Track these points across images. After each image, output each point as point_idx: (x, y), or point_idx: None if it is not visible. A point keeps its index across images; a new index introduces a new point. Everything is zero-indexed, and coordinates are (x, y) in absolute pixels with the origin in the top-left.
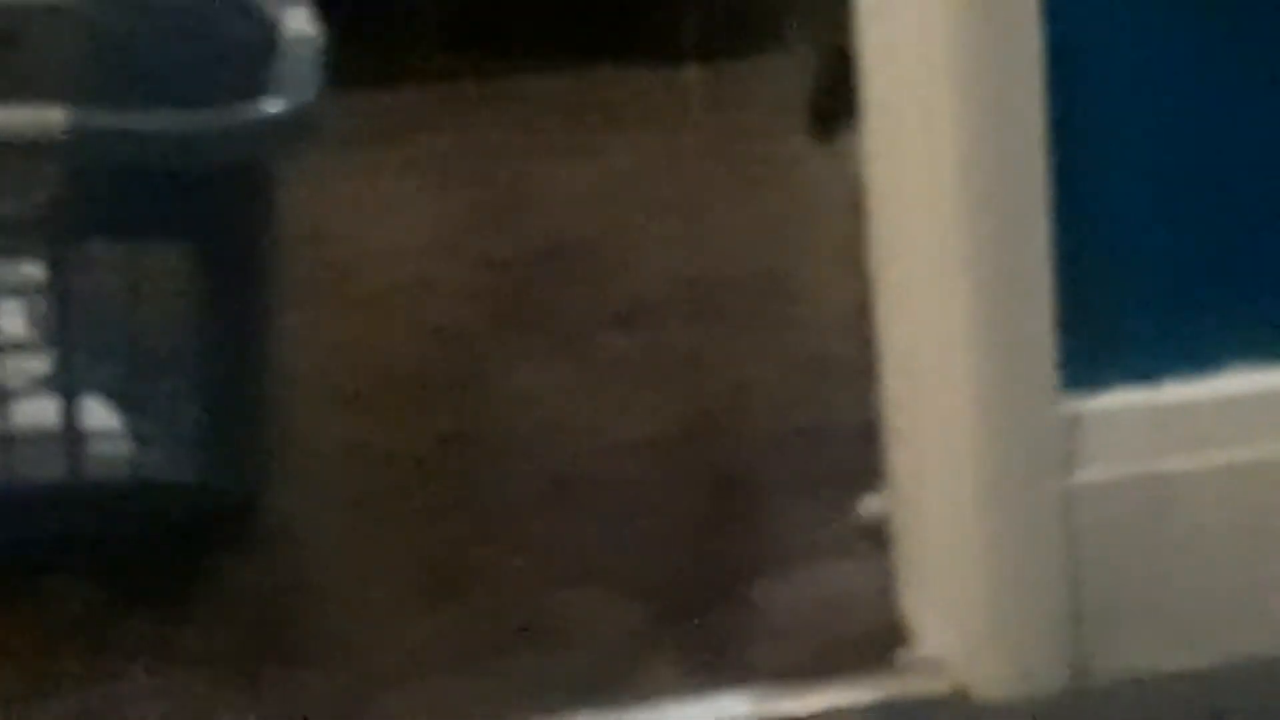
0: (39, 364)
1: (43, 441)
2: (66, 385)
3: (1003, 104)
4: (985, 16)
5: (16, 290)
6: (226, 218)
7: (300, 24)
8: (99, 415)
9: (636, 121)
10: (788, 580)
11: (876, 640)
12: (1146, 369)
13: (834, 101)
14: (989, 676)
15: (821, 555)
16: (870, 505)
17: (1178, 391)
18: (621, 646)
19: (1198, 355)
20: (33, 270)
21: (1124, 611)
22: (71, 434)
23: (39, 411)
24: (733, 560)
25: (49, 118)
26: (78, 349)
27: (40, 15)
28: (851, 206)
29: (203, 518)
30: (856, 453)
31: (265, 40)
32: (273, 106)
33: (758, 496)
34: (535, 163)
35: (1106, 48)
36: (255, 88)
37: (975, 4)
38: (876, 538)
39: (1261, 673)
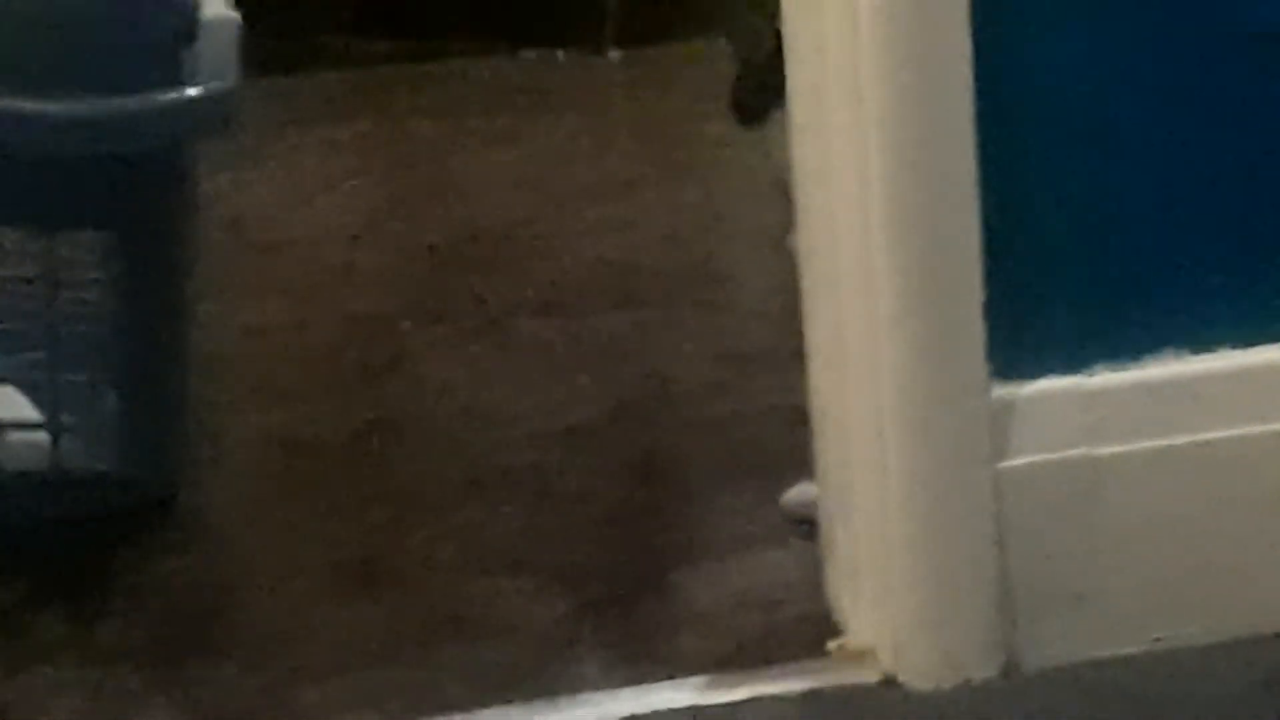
0: None
1: None
2: None
3: (931, 92)
4: (915, 3)
5: None
6: (145, 205)
7: (218, 8)
8: (15, 405)
9: (559, 106)
10: (715, 570)
11: (805, 630)
12: (1075, 356)
13: (757, 89)
14: (919, 666)
15: (749, 544)
16: (798, 494)
17: (1106, 379)
18: (547, 637)
19: (1125, 343)
20: None
21: (1054, 599)
22: None
23: None
24: (659, 549)
25: None
26: None
27: None
28: (777, 192)
29: (121, 509)
30: (784, 441)
31: (183, 24)
32: (191, 91)
33: (684, 485)
34: (457, 148)
35: (1035, 36)
36: (173, 73)
37: None
38: (805, 526)
39: (1191, 659)
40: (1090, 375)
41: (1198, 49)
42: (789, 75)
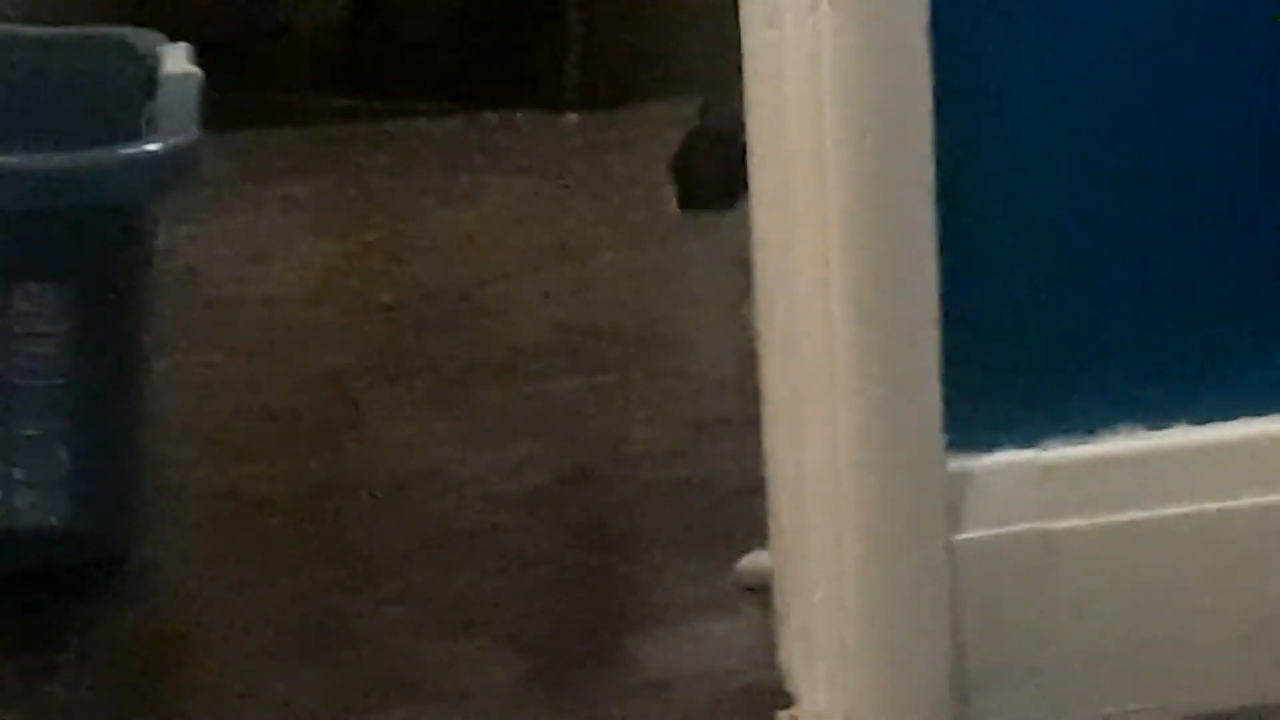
0: None
1: None
2: None
3: (891, 163)
4: (874, 73)
5: None
6: (102, 259)
7: (179, 63)
8: None
9: (518, 167)
10: (668, 636)
11: (757, 699)
12: (1030, 430)
13: (698, 177)
14: None
15: (702, 612)
16: (752, 562)
17: (1061, 453)
18: (499, 701)
19: (1080, 417)
20: None
21: (1007, 672)
22: None
23: None
24: (612, 615)
25: None
26: None
27: None
28: (734, 257)
29: (73, 564)
30: (738, 508)
31: (144, 79)
32: (151, 146)
33: (638, 551)
34: (415, 207)
35: (995, 113)
36: (133, 127)
37: (864, 60)
38: (758, 595)
39: None
40: (1045, 449)
41: (1159, 129)
42: (750, 143)
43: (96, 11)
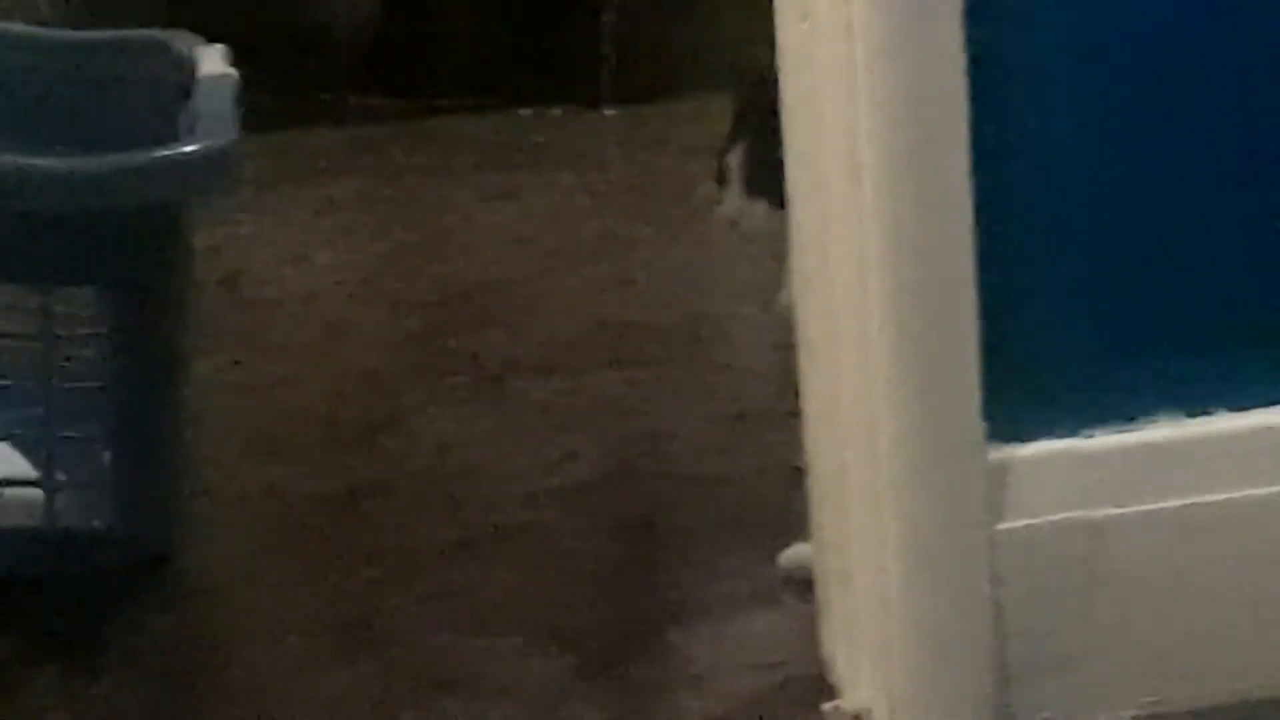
0: None
1: None
2: None
3: (927, 155)
4: (909, 66)
5: None
6: (141, 261)
7: (216, 64)
8: (11, 462)
9: (555, 164)
10: (711, 630)
11: (801, 691)
12: (1072, 419)
13: (717, 168)
14: None
15: (745, 605)
16: (794, 554)
17: (1103, 441)
18: (542, 697)
19: (1122, 405)
20: None
21: (1049, 661)
22: None
23: None
24: (655, 609)
25: None
26: None
27: None
28: (772, 250)
29: (116, 566)
30: (779, 501)
31: (181, 81)
32: (189, 148)
33: (680, 544)
34: (453, 205)
35: (1033, 99)
36: (171, 129)
37: (899, 52)
38: (801, 587)
39: None
40: (1087, 438)
41: (1197, 109)
42: (785, 137)
43: (132, 15)
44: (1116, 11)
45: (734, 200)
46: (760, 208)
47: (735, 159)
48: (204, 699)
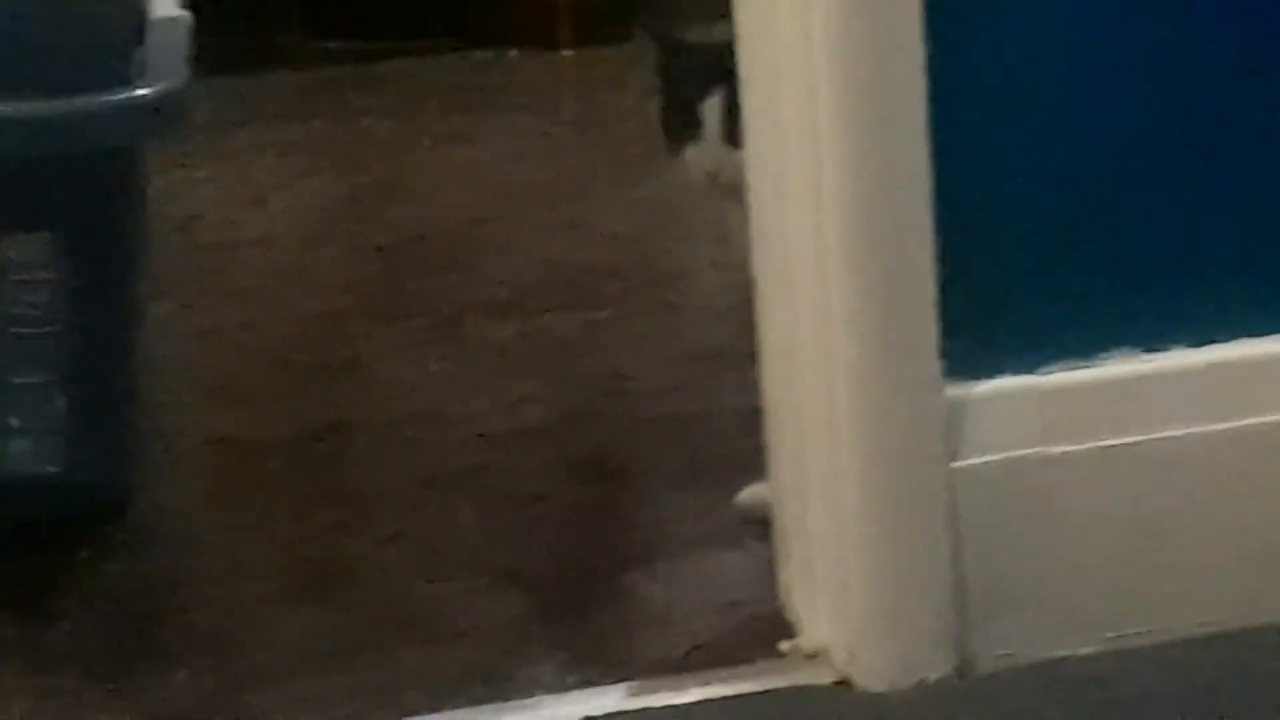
0: None
1: None
2: None
3: (884, 93)
4: (867, 6)
5: None
6: (93, 205)
7: (168, 7)
8: None
9: (512, 106)
10: (670, 570)
11: (759, 631)
12: (1028, 356)
13: (681, 114)
14: (873, 666)
15: (703, 545)
16: (752, 493)
17: (1059, 378)
18: (500, 638)
19: (1078, 342)
20: None
21: (1008, 599)
22: None
23: None
24: (613, 550)
25: None
26: None
27: None
28: (730, 191)
29: (72, 512)
30: (737, 441)
31: (133, 23)
32: (140, 91)
33: (638, 486)
34: (409, 148)
35: (989, 38)
36: (123, 72)
37: None
38: (759, 527)
39: (1145, 657)
40: (1043, 375)
41: (1146, 48)
42: (742, 69)
43: None
44: None
45: (712, 150)
46: (741, 156)
47: (712, 109)
48: (162, 643)
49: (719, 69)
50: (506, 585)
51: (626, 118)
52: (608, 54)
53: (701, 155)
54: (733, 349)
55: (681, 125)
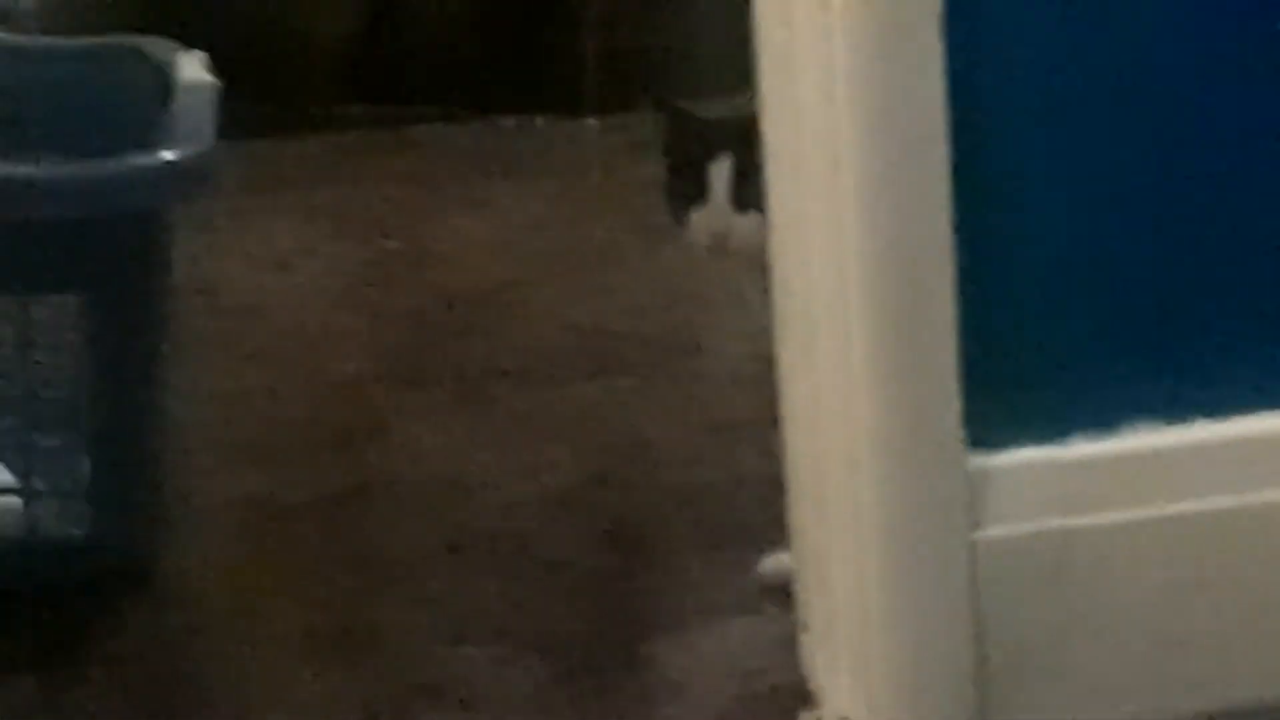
0: None
1: None
2: None
3: (906, 162)
4: (887, 72)
5: None
6: (119, 268)
7: (195, 71)
8: None
9: (537, 172)
10: (690, 638)
11: (780, 700)
12: (1050, 426)
13: (683, 182)
14: None
15: (725, 613)
16: (773, 562)
17: (1082, 449)
18: (522, 705)
19: (1102, 413)
20: None
21: (1028, 669)
22: None
23: None
24: (634, 617)
25: None
26: None
27: None
28: (752, 261)
29: (95, 574)
30: (759, 510)
31: (159, 88)
32: (167, 155)
33: (659, 553)
34: (433, 214)
35: (1010, 104)
36: (149, 136)
37: (877, 59)
38: (780, 595)
39: None
40: (1066, 445)
41: (1179, 120)
42: (765, 138)
43: (110, 21)
44: (1099, 22)
45: (720, 214)
46: (751, 220)
47: (719, 172)
48: (185, 707)
49: (726, 135)
50: (528, 651)
51: (650, 185)
52: (633, 121)
53: (709, 218)
54: (755, 418)
55: (686, 190)
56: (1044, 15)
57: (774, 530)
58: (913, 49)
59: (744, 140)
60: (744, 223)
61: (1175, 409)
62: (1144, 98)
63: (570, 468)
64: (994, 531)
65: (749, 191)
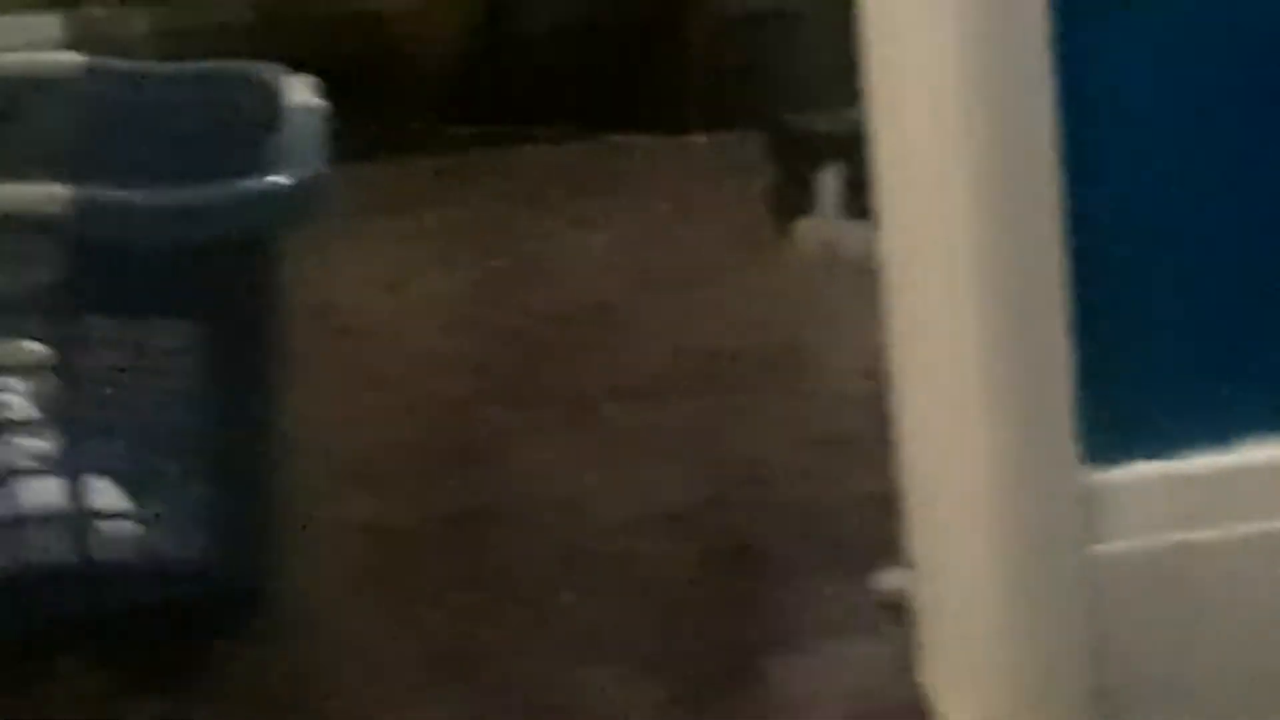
0: (45, 444)
1: (50, 522)
2: (73, 465)
3: (1017, 176)
4: (996, 87)
5: (21, 369)
6: (232, 293)
7: (304, 95)
8: (106, 495)
9: (645, 191)
10: (807, 657)
11: (897, 718)
12: (1167, 440)
13: (790, 193)
14: None
15: (841, 631)
16: (889, 580)
17: (1198, 463)
18: None
19: (1218, 427)
20: (37, 349)
21: (1147, 686)
22: (78, 515)
23: (46, 492)
24: (751, 636)
25: (52, 195)
26: (83, 428)
27: (36, 88)
28: (860, 271)
29: (212, 598)
30: (874, 526)
31: (269, 112)
32: (278, 179)
33: (774, 572)
34: (542, 233)
35: (1125, 117)
36: (259, 160)
37: (985, 74)
38: (896, 613)
39: None
40: (1182, 459)
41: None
42: (874, 152)
43: (219, 47)
44: (1219, 38)
45: (829, 224)
46: (859, 230)
47: (827, 181)
48: None
49: (833, 146)
50: (646, 672)
51: (757, 202)
52: (738, 139)
53: (817, 228)
54: (869, 434)
55: (793, 200)
56: (1159, 29)
57: (889, 548)
58: (1021, 62)
59: (851, 152)
60: (853, 231)
61: None
62: (1263, 117)
63: (682, 487)
64: (1110, 547)
65: (857, 202)
